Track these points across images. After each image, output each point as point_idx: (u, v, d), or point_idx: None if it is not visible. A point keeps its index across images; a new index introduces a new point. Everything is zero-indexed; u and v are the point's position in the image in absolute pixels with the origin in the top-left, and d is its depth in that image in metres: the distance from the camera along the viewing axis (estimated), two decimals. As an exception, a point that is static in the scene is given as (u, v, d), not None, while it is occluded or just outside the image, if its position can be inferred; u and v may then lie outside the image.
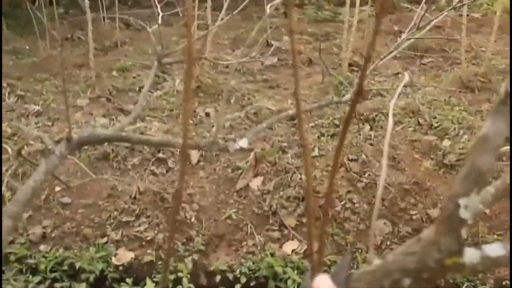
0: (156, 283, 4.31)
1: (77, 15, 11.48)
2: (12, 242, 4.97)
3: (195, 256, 4.49)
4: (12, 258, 4.70)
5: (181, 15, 6.35)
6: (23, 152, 5.40)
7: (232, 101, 6.08)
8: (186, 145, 0.75)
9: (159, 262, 4.54)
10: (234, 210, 4.64)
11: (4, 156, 5.76)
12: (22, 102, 6.97)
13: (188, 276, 4.31)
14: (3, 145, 5.81)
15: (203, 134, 5.42)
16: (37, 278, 4.56)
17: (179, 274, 4.36)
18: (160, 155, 5.19)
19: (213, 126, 5.48)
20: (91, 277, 4.52)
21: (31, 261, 4.79)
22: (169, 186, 4.85)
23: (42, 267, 4.60)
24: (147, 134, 5.48)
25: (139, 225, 4.74)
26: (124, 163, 5.18)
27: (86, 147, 5.18)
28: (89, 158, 5.21)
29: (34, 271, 4.66)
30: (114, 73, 7.61)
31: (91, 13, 7.98)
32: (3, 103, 6.98)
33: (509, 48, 7.44)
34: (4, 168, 5.57)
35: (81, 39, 9.98)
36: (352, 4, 7.00)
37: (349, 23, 6.97)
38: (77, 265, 4.55)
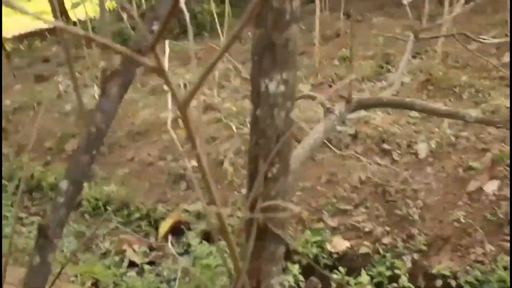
0: (371, 276, 4.14)
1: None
2: (231, 215, 5.13)
3: (415, 256, 4.23)
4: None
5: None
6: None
7: (464, 97, 5.67)
8: None
9: (376, 256, 4.35)
10: (463, 213, 4.28)
11: (227, 133, 5.99)
12: (247, 84, 7.21)
13: (407, 275, 4.07)
14: (229, 123, 6.04)
15: (432, 130, 5.09)
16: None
17: (396, 271, 4.14)
18: (385, 146, 4.99)
19: (442, 122, 5.13)
20: (304, 260, 4.47)
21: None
22: (393, 179, 4.63)
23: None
24: (372, 124, 5.31)
25: (358, 215, 4.59)
26: (346, 150, 5.07)
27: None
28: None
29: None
30: (336, 61, 7.55)
31: (311, 3, 8.07)
32: (230, 84, 7.32)
33: None
34: (228, 145, 5.79)
35: (302, 29, 10.10)
36: None
37: None
38: (291, 246, 4.53)
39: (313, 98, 2.19)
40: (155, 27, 1.20)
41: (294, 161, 1.42)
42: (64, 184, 1.27)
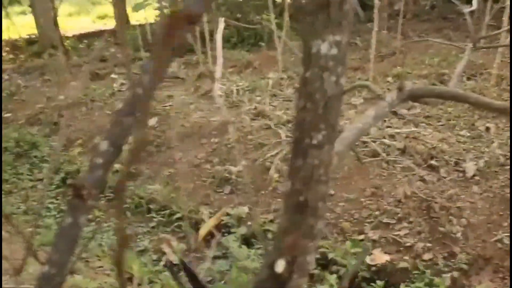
0: (410, 292, 4.07)
1: (355, 23, 11.68)
2: (271, 221, 5.14)
3: (455, 274, 4.14)
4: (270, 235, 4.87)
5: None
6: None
7: (517, 119, 5.56)
8: None
9: (415, 272, 4.27)
10: (507, 234, 4.17)
11: (276, 140, 6.00)
12: (298, 94, 7.27)
13: (446, 292, 3.99)
14: (278, 130, 6.06)
15: (481, 149, 5.00)
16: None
17: (435, 289, 4.07)
18: (433, 162, 4.92)
19: (492, 142, 5.04)
20: (342, 271, 4.43)
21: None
22: (438, 196, 4.56)
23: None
24: (421, 140, 5.26)
25: (399, 230, 4.54)
26: (394, 164, 5.02)
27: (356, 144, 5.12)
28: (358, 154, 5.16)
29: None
30: (389, 78, 7.51)
31: (369, 23, 8.11)
32: (285, 92, 7.37)
33: None
34: (274, 152, 5.80)
35: (357, 45, 10.11)
36: None
37: None
38: (330, 256, 4.49)
39: (366, 87, 2.17)
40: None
41: (342, 143, 1.41)
42: (104, 145, 1.25)
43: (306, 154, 1.19)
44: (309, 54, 1.10)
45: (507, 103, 1.63)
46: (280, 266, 1.24)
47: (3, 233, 4.47)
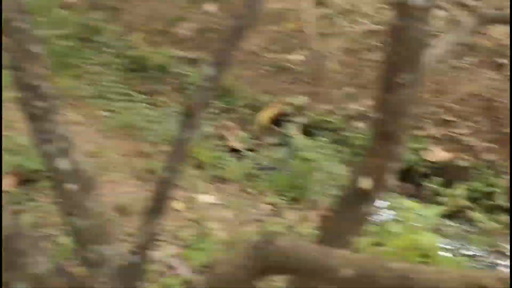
0: (468, 190, 4.13)
1: None
2: (330, 112, 5.21)
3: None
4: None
5: None
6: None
7: None
8: None
9: (474, 171, 4.33)
10: None
11: (336, 30, 5.90)
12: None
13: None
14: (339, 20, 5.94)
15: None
16: (347, 149, 4.71)
17: (494, 188, 4.14)
18: (501, 60, 4.80)
19: None
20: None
21: (346, 133, 4.96)
22: (504, 95, 4.50)
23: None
24: (488, 35, 5.10)
25: (462, 128, 4.54)
26: (460, 61, 4.93)
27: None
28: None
29: (343, 142, 4.83)
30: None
31: None
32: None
33: None
34: (335, 43, 5.73)
35: None
36: None
37: None
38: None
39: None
40: None
41: (432, 58, 1.47)
42: (210, 70, 1.43)
43: (394, 91, 1.27)
44: (404, 4, 1.15)
45: None
46: (366, 182, 1.39)
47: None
